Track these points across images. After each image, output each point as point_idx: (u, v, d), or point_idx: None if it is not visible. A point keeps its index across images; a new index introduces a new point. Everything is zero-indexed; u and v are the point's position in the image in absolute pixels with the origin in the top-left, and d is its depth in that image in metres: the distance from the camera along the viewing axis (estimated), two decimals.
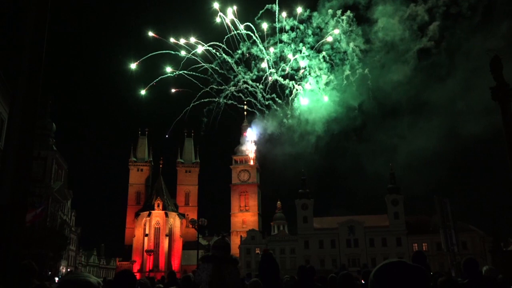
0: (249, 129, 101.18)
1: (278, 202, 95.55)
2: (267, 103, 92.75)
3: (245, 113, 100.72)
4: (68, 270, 64.45)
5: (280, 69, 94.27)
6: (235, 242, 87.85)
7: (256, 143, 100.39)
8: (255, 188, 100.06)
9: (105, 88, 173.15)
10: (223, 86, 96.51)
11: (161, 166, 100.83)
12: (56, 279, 38.04)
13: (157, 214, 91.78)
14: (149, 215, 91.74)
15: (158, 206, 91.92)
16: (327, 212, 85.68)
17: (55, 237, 49.88)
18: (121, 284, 3.91)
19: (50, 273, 41.25)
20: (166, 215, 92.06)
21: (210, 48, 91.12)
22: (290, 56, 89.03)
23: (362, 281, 10.94)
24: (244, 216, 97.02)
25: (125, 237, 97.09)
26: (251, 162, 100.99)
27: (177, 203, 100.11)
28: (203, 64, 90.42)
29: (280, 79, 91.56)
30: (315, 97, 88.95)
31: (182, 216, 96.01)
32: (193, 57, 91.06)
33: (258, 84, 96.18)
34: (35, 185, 44.47)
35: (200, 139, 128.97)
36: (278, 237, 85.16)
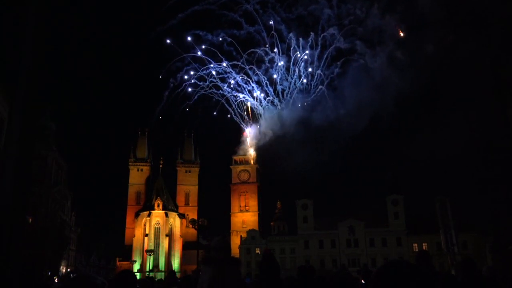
0: (249, 128, 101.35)
1: (278, 202, 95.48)
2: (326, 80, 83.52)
3: (245, 112, 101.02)
4: (68, 270, 64.45)
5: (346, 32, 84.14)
6: (235, 242, 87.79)
7: (257, 142, 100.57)
8: (255, 188, 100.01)
9: (106, 86, 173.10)
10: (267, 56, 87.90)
11: (161, 166, 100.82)
12: (56, 279, 38.03)
13: (157, 214, 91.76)
14: (149, 215, 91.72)
15: (158, 206, 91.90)
16: (327, 212, 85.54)
17: (55, 237, 50.00)
18: (122, 284, 3.91)
19: (50, 273, 41.25)
20: (166, 215, 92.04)
21: (258, 7, 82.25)
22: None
23: (362, 281, 10.94)
24: (244, 216, 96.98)
25: (125, 237, 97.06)
26: (251, 162, 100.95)
27: (177, 203, 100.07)
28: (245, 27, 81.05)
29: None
30: (367, 75, 78.72)
31: (182, 216, 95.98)
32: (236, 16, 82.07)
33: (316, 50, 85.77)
34: (35, 185, 44.55)
35: (200, 139, 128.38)
36: (278, 237, 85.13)
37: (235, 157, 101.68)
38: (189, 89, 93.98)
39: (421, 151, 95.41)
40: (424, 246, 71.37)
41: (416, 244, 75.43)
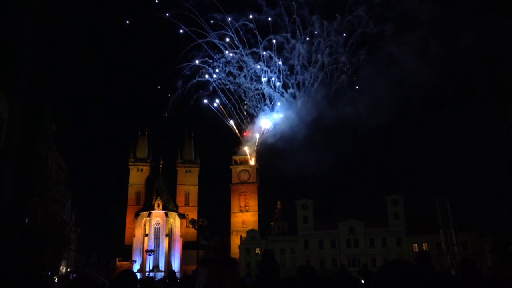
0: (250, 129, 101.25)
1: (278, 202, 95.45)
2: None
3: (245, 113, 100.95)
4: (68, 270, 64.43)
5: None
6: (235, 242, 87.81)
7: (257, 142, 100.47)
8: (255, 188, 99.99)
9: (105, 86, 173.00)
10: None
11: (161, 166, 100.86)
12: (56, 279, 38.03)
13: (157, 214, 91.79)
14: (149, 215, 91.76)
15: (158, 206, 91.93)
16: (327, 212, 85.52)
17: (55, 237, 49.97)
18: (123, 284, 3.92)
19: (50, 273, 41.25)
20: (166, 215, 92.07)
21: None
22: None
23: (362, 281, 10.94)
24: (244, 216, 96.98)
25: (125, 237, 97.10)
26: (251, 162, 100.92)
27: (177, 203, 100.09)
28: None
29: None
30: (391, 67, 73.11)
31: (182, 216, 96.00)
32: None
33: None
34: (35, 185, 44.55)
35: (200, 139, 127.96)
36: (278, 237, 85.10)
37: (235, 157, 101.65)
38: (204, 78, 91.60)
39: (421, 151, 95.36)
40: (424, 246, 71.38)
41: (416, 244, 75.44)
